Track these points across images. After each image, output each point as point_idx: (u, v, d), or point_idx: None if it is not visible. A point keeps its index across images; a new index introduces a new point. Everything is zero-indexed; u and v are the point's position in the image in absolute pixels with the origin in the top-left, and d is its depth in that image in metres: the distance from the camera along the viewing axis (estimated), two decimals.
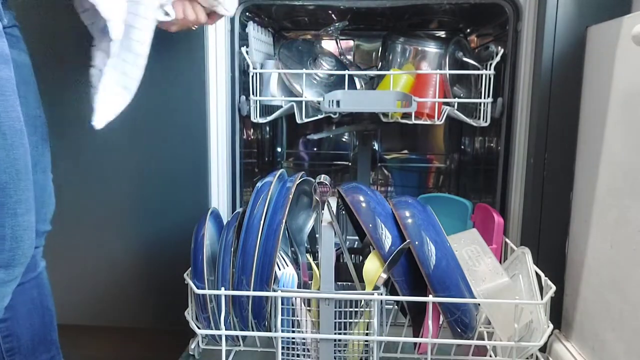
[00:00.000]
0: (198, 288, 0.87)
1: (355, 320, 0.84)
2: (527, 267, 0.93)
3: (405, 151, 1.67)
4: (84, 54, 1.15)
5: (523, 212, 1.08)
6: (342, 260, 0.92)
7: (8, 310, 0.85)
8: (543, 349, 0.99)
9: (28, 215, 0.72)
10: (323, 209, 0.88)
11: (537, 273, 0.91)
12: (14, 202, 0.70)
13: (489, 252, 0.96)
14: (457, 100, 1.16)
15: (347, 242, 1.14)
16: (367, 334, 0.85)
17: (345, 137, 1.68)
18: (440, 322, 0.85)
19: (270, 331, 0.87)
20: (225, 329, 0.86)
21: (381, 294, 0.83)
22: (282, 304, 0.83)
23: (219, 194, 1.16)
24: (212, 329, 0.90)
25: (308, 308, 0.85)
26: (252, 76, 1.13)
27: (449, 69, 1.18)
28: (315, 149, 1.70)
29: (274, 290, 0.83)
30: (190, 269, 0.92)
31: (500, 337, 0.88)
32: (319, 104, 1.09)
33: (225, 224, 0.94)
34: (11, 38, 0.80)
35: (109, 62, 0.78)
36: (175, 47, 1.14)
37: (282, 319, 0.84)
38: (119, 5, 0.76)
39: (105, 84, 0.78)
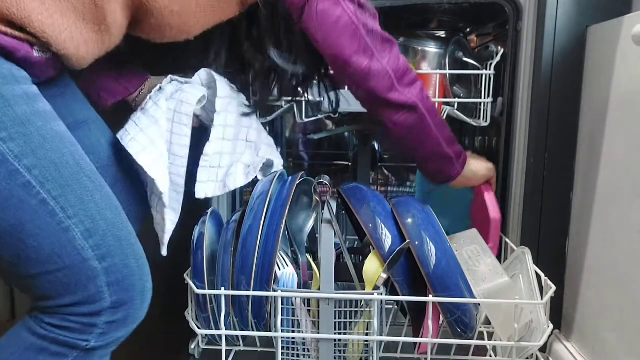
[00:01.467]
0: (198, 288, 0.87)
1: (355, 320, 0.84)
2: (527, 267, 0.93)
3: None
4: None
5: (523, 212, 1.08)
6: (342, 260, 0.92)
7: None
8: (543, 349, 0.99)
9: (139, 243, 0.73)
10: (323, 209, 0.88)
11: (537, 273, 0.91)
12: (126, 234, 0.71)
13: (489, 252, 0.96)
14: (457, 100, 1.16)
15: (347, 242, 1.14)
16: (367, 334, 0.85)
17: (345, 137, 1.68)
18: (440, 322, 0.85)
19: (270, 331, 0.87)
20: (225, 329, 0.86)
21: (381, 294, 0.83)
22: (282, 304, 0.83)
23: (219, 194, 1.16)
24: (212, 329, 0.90)
25: (308, 308, 0.85)
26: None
27: (449, 69, 1.18)
28: (315, 149, 1.70)
29: (274, 290, 0.83)
30: (190, 269, 0.92)
31: (500, 337, 0.88)
32: (319, 104, 1.09)
33: (225, 224, 0.94)
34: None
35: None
36: (175, 46, 1.13)
37: (282, 319, 0.84)
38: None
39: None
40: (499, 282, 0.90)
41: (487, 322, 0.92)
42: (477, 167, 1.01)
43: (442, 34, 1.45)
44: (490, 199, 1.05)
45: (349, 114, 1.46)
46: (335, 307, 0.83)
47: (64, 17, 0.68)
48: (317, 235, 1.00)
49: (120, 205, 0.72)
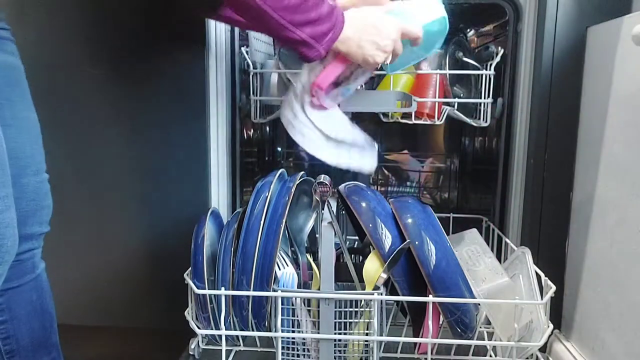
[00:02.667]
0: (198, 288, 0.87)
1: (355, 320, 0.84)
2: (527, 267, 0.93)
3: (406, 151, 1.67)
4: (79, 52, 1.15)
5: (523, 212, 1.08)
6: (342, 260, 0.92)
7: (7, 312, 0.85)
8: (543, 349, 0.99)
9: (8, 212, 0.72)
10: (323, 209, 0.88)
11: (537, 273, 0.91)
12: None
13: (489, 252, 0.96)
14: (457, 100, 1.16)
15: (347, 242, 1.14)
16: (367, 334, 0.85)
17: None
18: (440, 322, 0.85)
19: (270, 331, 0.87)
20: (225, 329, 0.86)
21: (381, 294, 0.83)
22: (282, 304, 0.83)
23: (219, 194, 1.16)
24: (212, 329, 0.90)
25: (308, 308, 0.85)
26: (252, 76, 1.13)
27: (449, 69, 1.18)
28: None
29: (274, 290, 0.83)
30: (190, 269, 0.92)
31: (500, 337, 0.88)
32: None
33: (225, 224, 0.94)
34: None
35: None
36: (176, 48, 1.13)
37: (282, 319, 0.84)
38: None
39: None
40: (499, 282, 0.90)
41: (487, 322, 0.92)
42: (350, 49, 0.86)
43: None
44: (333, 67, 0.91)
45: (349, 114, 1.47)
46: (335, 307, 0.83)
47: None
48: (317, 235, 1.00)
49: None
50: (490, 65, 1.11)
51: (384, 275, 0.82)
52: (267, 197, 0.88)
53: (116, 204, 1.19)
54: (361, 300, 0.83)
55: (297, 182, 0.91)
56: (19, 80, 0.84)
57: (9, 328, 0.86)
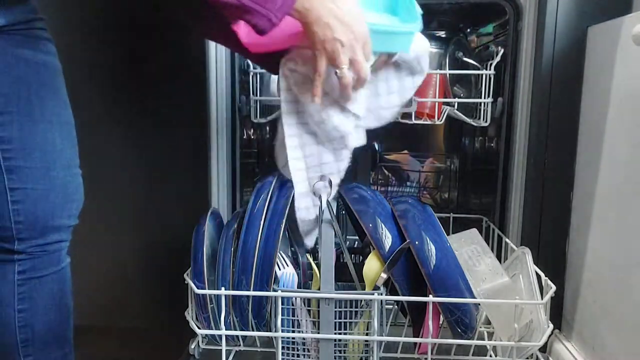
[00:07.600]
0: (198, 288, 0.87)
1: (355, 320, 0.84)
2: (527, 267, 0.93)
3: (405, 151, 1.67)
4: (92, 54, 1.15)
5: (523, 212, 1.08)
6: (342, 260, 0.92)
7: (27, 301, 0.87)
8: (543, 349, 0.99)
9: None
10: (323, 209, 0.88)
11: (537, 273, 0.91)
12: None
13: (489, 252, 0.96)
14: (457, 100, 1.16)
15: (347, 242, 1.14)
16: (367, 334, 0.85)
17: None
18: (440, 322, 0.85)
19: (270, 331, 0.87)
20: (225, 329, 0.86)
21: (381, 294, 0.83)
22: (282, 304, 0.83)
23: (219, 194, 1.16)
24: (212, 329, 0.89)
25: (308, 308, 0.85)
26: (252, 76, 1.13)
27: (449, 69, 1.18)
28: None
29: (274, 290, 0.83)
30: (190, 269, 0.92)
31: (500, 337, 0.88)
32: None
33: (225, 224, 0.94)
34: (25, 39, 0.81)
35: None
36: (175, 48, 1.14)
37: (282, 319, 0.84)
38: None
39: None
40: (499, 282, 0.90)
41: (487, 322, 0.92)
42: (307, 20, 0.76)
43: (442, 34, 1.44)
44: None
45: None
46: (335, 307, 0.83)
47: None
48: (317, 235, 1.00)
49: None
50: (491, 64, 1.11)
51: (384, 275, 0.82)
52: (267, 197, 0.88)
53: (116, 205, 1.19)
54: (361, 300, 0.83)
55: None
56: (51, 79, 0.86)
57: (27, 317, 0.87)
